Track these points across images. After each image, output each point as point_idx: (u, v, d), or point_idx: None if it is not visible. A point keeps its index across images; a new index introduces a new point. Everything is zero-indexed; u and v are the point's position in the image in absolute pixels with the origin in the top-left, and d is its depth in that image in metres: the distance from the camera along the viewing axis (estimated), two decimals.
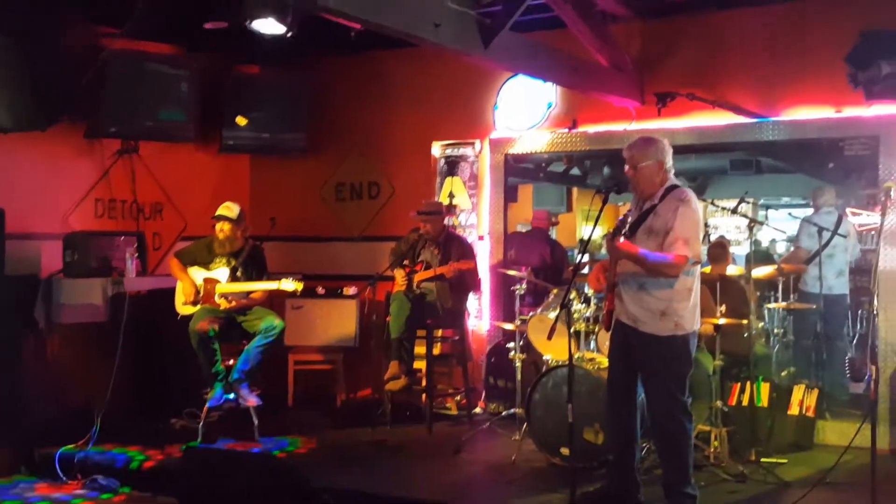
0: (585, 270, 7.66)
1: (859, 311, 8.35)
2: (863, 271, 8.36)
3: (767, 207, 13.75)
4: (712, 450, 6.00)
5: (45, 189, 7.37)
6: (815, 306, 7.43)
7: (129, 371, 7.01)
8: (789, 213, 9.68)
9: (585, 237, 5.07)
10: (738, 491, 5.54)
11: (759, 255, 11.52)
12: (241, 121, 8.27)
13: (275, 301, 7.44)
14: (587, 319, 6.40)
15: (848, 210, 9.10)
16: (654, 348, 4.94)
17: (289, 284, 6.69)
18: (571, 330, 6.21)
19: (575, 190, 12.07)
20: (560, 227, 11.97)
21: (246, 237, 7.00)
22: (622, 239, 4.82)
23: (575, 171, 10.47)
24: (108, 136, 7.67)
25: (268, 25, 5.64)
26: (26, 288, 7.10)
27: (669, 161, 5.07)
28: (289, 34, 5.75)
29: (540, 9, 6.62)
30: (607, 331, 5.26)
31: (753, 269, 7.33)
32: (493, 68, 7.39)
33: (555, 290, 6.75)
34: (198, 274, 6.93)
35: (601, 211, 5.06)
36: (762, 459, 5.98)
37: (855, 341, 8.21)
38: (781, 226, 10.09)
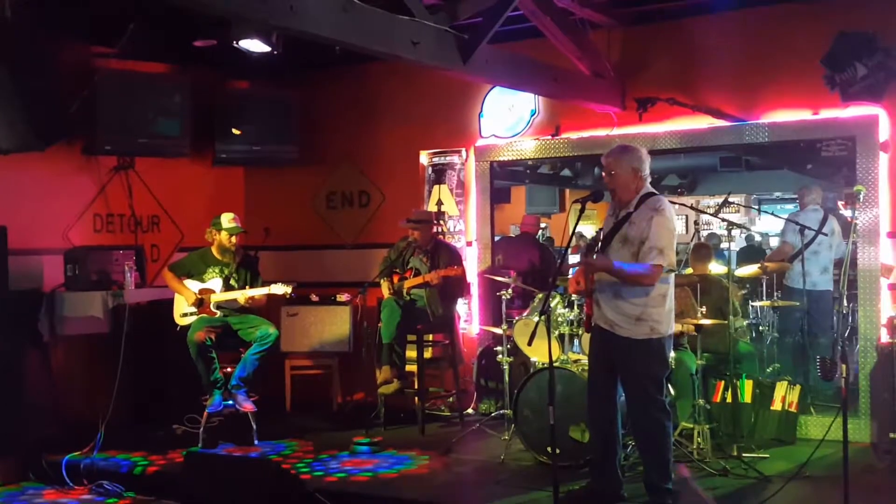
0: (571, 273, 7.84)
1: (850, 305, 8.47)
2: (853, 264, 8.48)
3: (760, 202, 13.92)
4: (695, 446, 6.16)
5: (46, 206, 7.55)
6: (798, 304, 7.56)
7: (131, 380, 7.23)
8: (772, 214, 9.80)
9: (564, 245, 5.23)
10: (720, 486, 5.68)
11: (752, 251, 11.68)
12: (235, 131, 8.44)
13: (271, 309, 7.61)
14: (571, 322, 6.55)
15: (839, 203, 9.21)
16: (631, 351, 5.12)
17: (279, 288, 6.94)
18: (556, 333, 6.45)
19: (567, 191, 12.23)
20: (553, 226, 12.18)
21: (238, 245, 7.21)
22: (595, 256, 5.00)
23: (566, 172, 10.68)
24: (104, 153, 7.86)
25: (254, 45, 5.84)
26: (29, 302, 7.30)
27: (646, 169, 5.22)
28: (275, 52, 5.95)
29: (520, 19, 6.78)
30: (587, 332, 5.44)
31: (738, 269, 7.53)
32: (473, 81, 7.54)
33: (539, 295, 6.91)
34: (193, 286, 7.13)
35: (578, 219, 5.19)
36: (744, 455, 6.13)
37: (846, 334, 8.32)
38: (766, 227, 10.16)
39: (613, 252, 5.07)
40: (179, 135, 8.01)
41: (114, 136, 7.68)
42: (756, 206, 13.00)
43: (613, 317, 5.11)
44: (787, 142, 7.27)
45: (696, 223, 8.23)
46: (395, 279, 7.49)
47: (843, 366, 4.93)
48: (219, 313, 7.07)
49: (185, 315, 7.12)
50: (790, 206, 12.08)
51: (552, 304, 6.40)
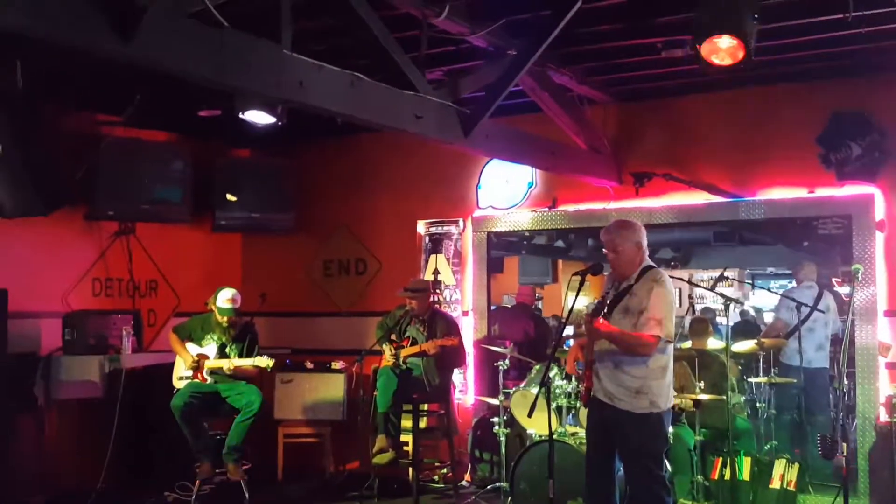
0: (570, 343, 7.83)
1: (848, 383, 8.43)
2: (850, 342, 8.47)
3: (754, 277, 13.96)
4: None
5: (46, 270, 7.57)
6: (794, 380, 7.52)
7: (124, 445, 7.23)
8: (767, 289, 9.80)
9: (564, 317, 5.25)
10: None
11: (747, 326, 11.67)
12: (230, 197, 8.52)
13: (265, 376, 7.59)
14: (569, 395, 6.54)
15: (834, 280, 9.25)
16: (630, 425, 5.08)
17: (261, 361, 7.01)
18: (553, 405, 6.42)
19: (560, 262, 12.28)
20: (546, 297, 12.18)
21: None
22: (601, 319, 5.01)
23: (559, 243, 10.73)
24: (106, 218, 7.93)
25: (259, 116, 5.93)
26: (27, 365, 7.26)
27: (645, 241, 5.28)
28: (279, 123, 6.03)
29: (519, 94, 6.89)
30: (584, 406, 5.41)
31: (735, 344, 7.52)
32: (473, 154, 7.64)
33: (536, 366, 6.90)
34: (193, 349, 7.16)
35: (578, 292, 5.22)
36: None
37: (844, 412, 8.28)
38: (759, 301, 10.13)
39: (614, 323, 5.08)
40: (180, 201, 8.10)
41: (116, 202, 7.77)
42: (750, 281, 13.05)
43: (613, 389, 5.10)
44: (782, 219, 7.33)
45: (690, 297, 8.25)
46: (393, 347, 7.47)
47: (844, 444, 4.93)
48: (209, 379, 7.07)
49: (181, 378, 7.14)
50: (784, 282, 12.14)
51: (550, 375, 6.39)
